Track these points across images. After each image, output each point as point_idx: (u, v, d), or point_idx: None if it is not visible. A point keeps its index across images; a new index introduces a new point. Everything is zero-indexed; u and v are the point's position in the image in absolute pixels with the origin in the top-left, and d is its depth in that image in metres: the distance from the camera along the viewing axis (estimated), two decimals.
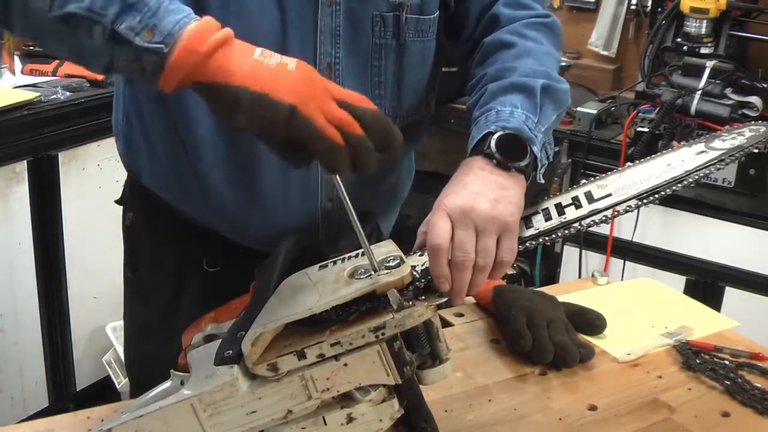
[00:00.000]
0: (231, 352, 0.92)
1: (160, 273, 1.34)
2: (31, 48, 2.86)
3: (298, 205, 1.22)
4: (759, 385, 1.28)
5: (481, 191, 1.00)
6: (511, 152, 1.04)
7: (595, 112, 2.74)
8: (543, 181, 1.10)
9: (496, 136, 1.05)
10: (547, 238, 1.04)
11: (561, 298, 1.47)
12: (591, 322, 1.43)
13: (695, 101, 2.50)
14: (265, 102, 0.85)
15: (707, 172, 1.04)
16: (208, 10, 1.09)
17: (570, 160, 2.74)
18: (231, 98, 0.86)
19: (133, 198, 1.35)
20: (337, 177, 0.91)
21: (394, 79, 1.21)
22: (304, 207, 1.22)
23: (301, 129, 0.85)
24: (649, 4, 2.90)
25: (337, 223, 1.24)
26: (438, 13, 1.22)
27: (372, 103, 0.90)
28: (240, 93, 0.85)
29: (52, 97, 2.48)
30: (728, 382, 1.29)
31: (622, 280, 2.55)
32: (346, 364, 0.92)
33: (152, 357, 1.33)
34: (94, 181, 2.57)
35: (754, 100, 2.47)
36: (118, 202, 1.39)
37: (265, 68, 0.86)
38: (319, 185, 1.22)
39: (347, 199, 0.93)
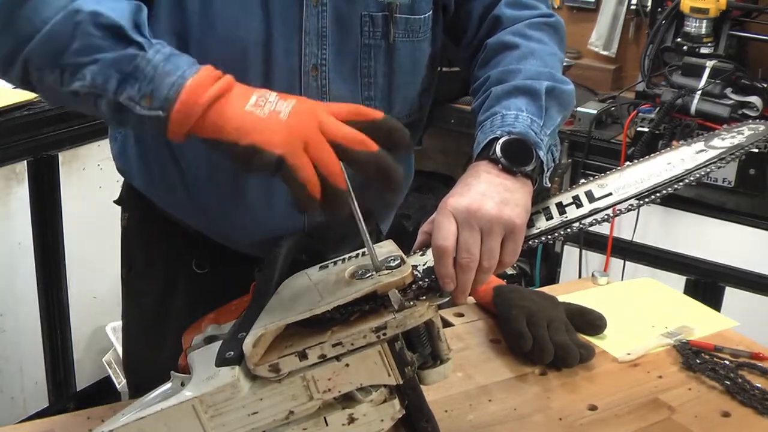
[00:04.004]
0: (232, 353, 0.92)
1: (151, 273, 1.34)
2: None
3: (283, 209, 1.21)
4: (759, 385, 1.28)
5: (487, 193, 1.00)
6: (516, 157, 1.04)
7: (595, 112, 2.74)
8: (549, 185, 1.09)
9: (501, 141, 1.05)
10: (549, 237, 1.04)
11: (561, 298, 1.47)
12: (591, 322, 1.43)
13: (695, 101, 2.50)
14: (254, 153, 0.87)
15: (707, 170, 1.04)
16: (190, 12, 1.09)
17: (570, 160, 2.74)
18: (225, 151, 0.89)
19: (128, 199, 1.36)
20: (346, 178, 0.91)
21: (384, 81, 1.20)
22: (289, 211, 1.21)
23: (287, 177, 0.87)
24: (649, 4, 2.90)
25: (324, 225, 1.23)
26: (430, 13, 1.21)
27: (372, 144, 0.89)
28: (231, 148, 0.89)
29: None
30: (728, 382, 1.29)
31: (622, 280, 2.55)
32: (347, 365, 0.92)
33: (146, 356, 1.34)
34: (94, 181, 2.57)
35: (754, 100, 2.47)
36: (116, 202, 1.40)
37: (254, 120, 0.88)
38: None
39: (354, 198, 0.93)
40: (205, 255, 1.29)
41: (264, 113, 0.89)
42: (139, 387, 1.00)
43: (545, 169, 1.09)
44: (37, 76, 0.96)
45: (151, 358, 1.25)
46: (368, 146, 0.89)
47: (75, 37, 0.93)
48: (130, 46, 0.92)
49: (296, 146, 0.87)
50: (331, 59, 1.15)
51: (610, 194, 1.05)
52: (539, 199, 1.07)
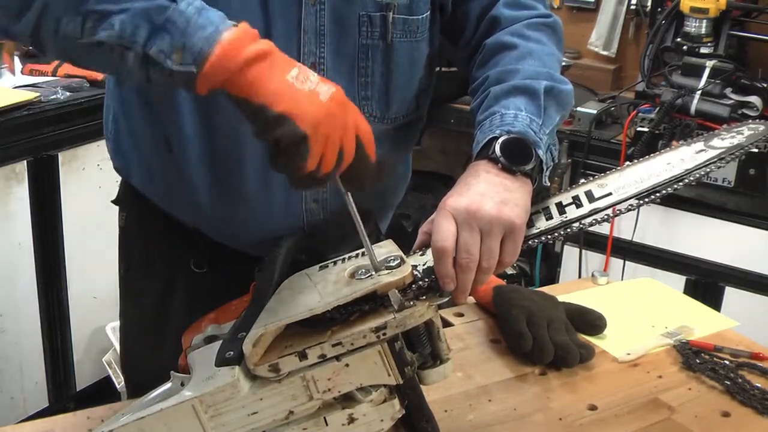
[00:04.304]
0: (232, 353, 0.92)
1: (150, 273, 1.34)
2: (31, 48, 2.85)
3: (282, 206, 1.21)
4: (759, 385, 1.28)
5: (487, 193, 1.00)
6: (516, 156, 1.04)
7: (595, 112, 2.74)
8: (549, 184, 1.10)
9: (500, 140, 1.05)
10: (549, 237, 1.04)
11: (561, 298, 1.47)
12: (591, 322, 1.43)
13: (695, 101, 2.50)
14: (283, 122, 0.87)
15: (707, 170, 1.04)
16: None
17: (570, 160, 2.74)
18: (254, 113, 0.88)
19: (126, 198, 1.36)
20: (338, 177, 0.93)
21: (381, 81, 1.20)
22: (287, 208, 1.22)
23: (298, 156, 0.87)
24: (649, 3, 2.90)
25: (323, 225, 1.23)
26: (428, 14, 1.21)
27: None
28: (261, 111, 0.87)
29: (52, 97, 2.48)
30: (728, 382, 1.29)
31: (622, 280, 2.55)
32: (347, 365, 0.92)
33: (145, 356, 1.34)
34: (94, 181, 2.57)
35: (754, 99, 2.47)
36: (114, 202, 1.40)
37: (293, 91, 0.88)
38: None
39: (350, 199, 0.94)
40: (204, 254, 1.29)
41: (305, 89, 0.88)
42: (139, 387, 1.00)
43: (544, 168, 1.09)
44: (53, 27, 0.91)
45: (151, 358, 1.25)
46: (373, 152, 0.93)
47: None
48: None
49: (324, 130, 0.87)
50: (330, 58, 1.16)
51: (610, 194, 1.05)
52: (539, 198, 1.07)
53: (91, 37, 0.89)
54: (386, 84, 1.21)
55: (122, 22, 0.88)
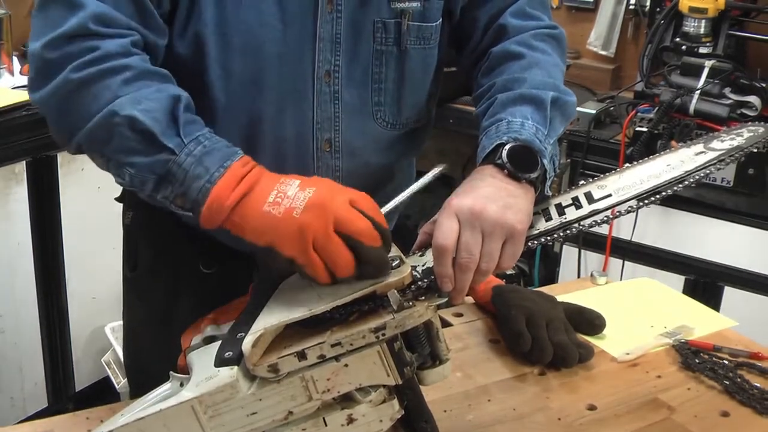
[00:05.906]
0: (231, 353, 0.92)
1: (157, 273, 1.34)
2: None
3: None
4: (758, 385, 1.28)
5: (491, 196, 1.00)
6: (522, 163, 1.05)
7: (594, 111, 2.74)
8: (551, 194, 1.10)
9: (507, 147, 1.06)
10: (548, 238, 1.04)
11: (560, 298, 1.47)
12: (590, 321, 1.43)
13: (694, 101, 2.50)
14: (269, 253, 0.93)
15: (707, 172, 1.05)
16: (206, 21, 1.10)
17: (569, 160, 2.74)
18: (251, 246, 0.95)
19: (132, 197, 1.35)
20: None
21: (394, 87, 1.21)
22: None
23: (299, 271, 0.94)
24: (648, 3, 2.90)
25: None
26: (441, 21, 1.22)
27: (378, 239, 0.93)
28: (253, 245, 0.94)
29: None
30: (727, 382, 1.29)
31: (621, 279, 2.55)
32: (346, 365, 0.92)
33: (150, 357, 1.33)
34: (94, 182, 2.57)
35: (753, 99, 2.47)
36: (118, 199, 1.39)
37: (270, 221, 0.92)
38: None
39: None
40: (212, 254, 1.29)
41: (279, 212, 0.92)
42: (145, 388, 1.00)
43: (547, 178, 1.10)
44: (90, 156, 1.05)
45: (159, 359, 1.25)
46: (377, 243, 0.93)
47: (113, 136, 0.99)
48: (163, 151, 0.97)
49: (304, 247, 0.91)
50: (344, 65, 1.17)
51: (610, 195, 1.05)
52: (538, 199, 1.07)
53: (114, 175, 1.03)
54: (399, 90, 1.22)
55: (131, 175, 1.00)
